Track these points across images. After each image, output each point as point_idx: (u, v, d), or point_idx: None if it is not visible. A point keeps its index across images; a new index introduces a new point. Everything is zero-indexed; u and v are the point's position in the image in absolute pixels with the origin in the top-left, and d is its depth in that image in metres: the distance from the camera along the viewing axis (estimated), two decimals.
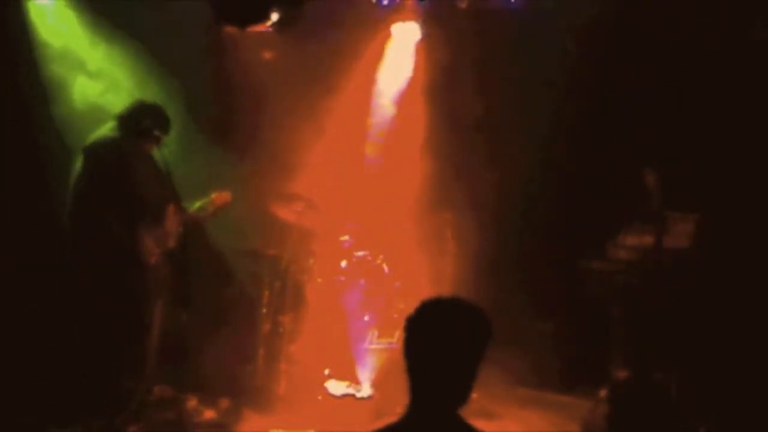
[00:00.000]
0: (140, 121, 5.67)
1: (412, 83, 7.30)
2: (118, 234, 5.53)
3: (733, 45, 6.20)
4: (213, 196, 6.06)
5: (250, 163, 6.82)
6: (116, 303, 5.51)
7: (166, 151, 5.85)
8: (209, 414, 5.85)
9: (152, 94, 6.26)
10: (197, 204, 6.01)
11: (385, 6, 6.91)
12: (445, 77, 7.09)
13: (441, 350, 2.58)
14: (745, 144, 6.14)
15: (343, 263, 6.55)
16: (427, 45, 7.22)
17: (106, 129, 5.73)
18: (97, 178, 5.57)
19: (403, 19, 7.15)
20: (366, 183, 7.05)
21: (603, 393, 5.64)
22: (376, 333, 6.28)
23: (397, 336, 5.78)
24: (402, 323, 2.69)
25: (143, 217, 5.62)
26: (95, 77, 6.64)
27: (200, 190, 6.07)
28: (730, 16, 6.16)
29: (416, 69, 7.28)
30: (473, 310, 2.63)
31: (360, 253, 6.59)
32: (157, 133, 5.73)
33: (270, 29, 6.42)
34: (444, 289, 6.06)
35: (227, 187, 6.18)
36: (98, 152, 5.63)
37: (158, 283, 5.76)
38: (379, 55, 7.24)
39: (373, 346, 6.27)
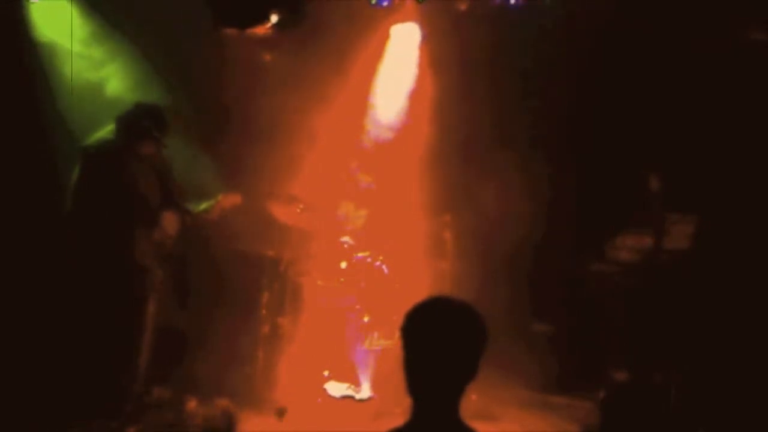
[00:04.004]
0: (139, 123, 5.67)
1: (412, 84, 7.29)
2: (115, 236, 5.53)
3: (731, 47, 6.21)
4: (220, 197, 6.05)
5: (250, 163, 6.81)
6: (112, 304, 5.51)
7: (165, 152, 5.86)
8: (208, 415, 5.83)
9: (151, 94, 6.27)
10: (203, 205, 6.01)
11: (384, 7, 6.90)
12: (446, 78, 7.08)
13: (437, 351, 2.57)
14: (744, 145, 6.14)
15: (343, 264, 6.54)
16: (426, 46, 7.21)
17: (105, 131, 5.73)
18: (93, 181, 5.58)
19: (402, 20, 7.14)
20: (366, 183, 7.01)
21: (602, 394, 5.63)
22: (375, 334, 6.28)
23: (397, 337, 5.77)
24: (401, 325, 2.68)
25: (140, 219, 5.62)
26: (97, 76, 6.65)
27: (198, 191, 6.07)
28: (728, 19, 6.16)
29: (416, 69, 7.27)
30: (466, 309, 2.62)
31: (360, 255, 6.59)
32: (156, 134, 5.73)
33: (269, 31, 6.42)
34: (444, 290, 6.07)
35: (225, 187, 6.19)
36: (95, 154, 5.64)
37: (155, 284, 5.76)
38: (378, 57, 7.23)
39: (373, 348, 6.28)
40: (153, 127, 5.71)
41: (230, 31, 6.49)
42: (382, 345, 6.26)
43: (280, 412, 5.79)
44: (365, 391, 6.22)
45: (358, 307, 6.37)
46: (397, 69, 7.26)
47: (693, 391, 5.42)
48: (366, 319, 6.34)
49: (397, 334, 2.65)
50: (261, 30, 6.45)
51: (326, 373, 6.29)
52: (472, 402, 5.78)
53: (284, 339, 6.38)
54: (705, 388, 5.48)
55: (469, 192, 7.12)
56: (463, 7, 6.84)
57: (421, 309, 2.63)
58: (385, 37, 7.23)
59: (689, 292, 5.87)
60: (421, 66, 7.23)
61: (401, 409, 5.31)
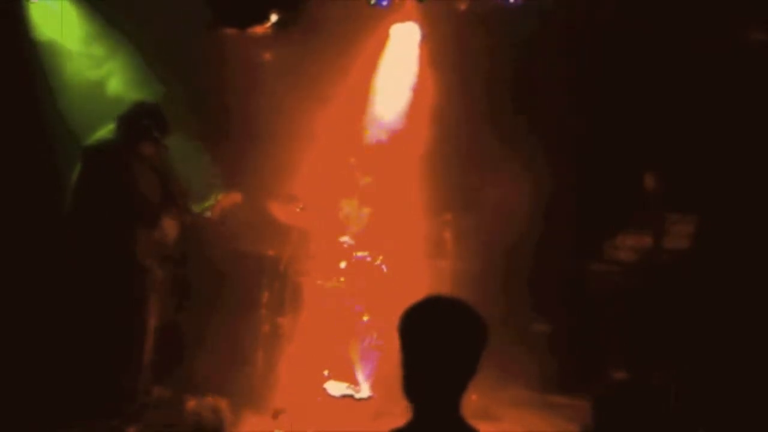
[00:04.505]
0: (139, 122, 5.67)
1: (412, 83, 7.28)
2: (115, 236, 5.52)
3: (731, 47, 6.21)
4: (220, 197, 6.04)
5: (249, 163, 6.81)
6: (113, 304, 5.51)
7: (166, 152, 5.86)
8: (208, 415, 5.83)
9: (151, 94, 6.27)
10: (203, 205, 6.01)
11: (383, 7, 6.89)
12: (445, 77, 7.08)
13: (439, 351, 2.55)
14: (744, 145, 6.14)
15: (343, 264, 6.54)
16: (426, 46, 7.21)
17: (106, 131, 5.73)
18: (94, 180, 5.58)
19: (402, 20, 7.13)
20: (365, 183, 7.00)
21: (602, 394, 5.64)
22: (375, 334, 6.28)
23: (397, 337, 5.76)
24: (397, 324, 2.66)
25: (140, 218, 5.62)
26: (97, 75, 6.66)
27: (198, 190, 6.07)
28: (728, 20, 6.17)
29: (416, 69, 7.27)
30: (465, 308, 2.61)
31: (359, 254, 6.59)
32: (156, 134, 5.72)
33: (269, 31, 6.42)
34: (443, 289, 6.06)
35: (225, 187, 6.19)
36: (95, 154, 5.64)
37: (155, 284, 5.76)
38: (377, 56, 7.23)
39: (373, 347, 6.27)
40: (153, 127, 5.71)
41: (230, 31, 6.49)
42: (381, 344, 6.25)
43: (276, 414, 5.78)
44: (365, 391, 6.22)
45: (357, 306, 6.37)
46: (397, 69, 7.25)
47: (693, 391, 5.43)
48: (366, 318, 6.34)
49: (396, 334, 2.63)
50: (261, 29, 6.45)
51: (326, 372, 6.29)
52: (472, 402, 5.78)
53: (284, 338, 6.38)
54: (705, 388, 5.48)
55: (469, 192, 7.12)
56: (462, 6, 6.84)
57: (421, 309, 2.61)
58: (385, 36, 7.22)
59: (689, 292, 5.87)
60: (420, 66, 7.23)
61: (401, 409, 5.28)
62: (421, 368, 2.57)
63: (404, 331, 2.60)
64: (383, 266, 6.52)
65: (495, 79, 7.02)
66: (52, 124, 6.33)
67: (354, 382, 6.26)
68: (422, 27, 7.15)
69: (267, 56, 7.08)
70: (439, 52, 7.09)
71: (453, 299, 2.63)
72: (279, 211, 6.57)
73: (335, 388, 6.24)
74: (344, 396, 6.19)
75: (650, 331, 6.05)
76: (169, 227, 5.82)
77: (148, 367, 5.81)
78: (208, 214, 6.03)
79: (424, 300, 2.64)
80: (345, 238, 6.65)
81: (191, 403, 5.83)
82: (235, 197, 6.15)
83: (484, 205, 7.01)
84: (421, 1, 6.81)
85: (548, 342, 6.98)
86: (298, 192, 6.58)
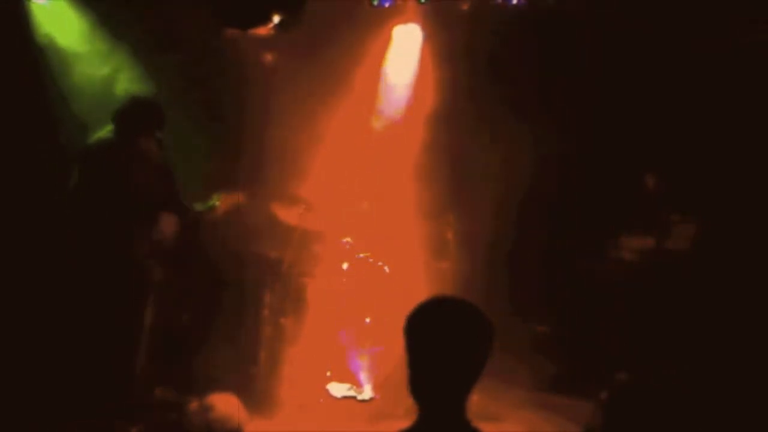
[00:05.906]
0: (137, 118, 5.67)
1: (414, 84, 7.29)
2: (114, 235, 5.53)
3: (731, 47, 6.22)
4: (221, 197, 6.05)
5: (252, 164, 6.82)
6: (112, 304, 5.52)
7: (166, 150, 5.87)
8: (210, 416, 5.84)
9: (153, 94, 6.28)
10: (205, 204, 6.02)
11: (386, 8, 6.90)
12: (448, 78, 7.09)
13: (446, 352, 2.54)
14: (744, 146, 6.15)
15: (345, 265, 6.56)
16: (428, 47, 7.22)
17: (105, 131, 5.74)
18: (93, 180, 5.58)
19: (404, 21, 7.14)
20: (368, 183, 7.02)
21: (604, 395, 5.63)
22: (377, 335, 6.29)
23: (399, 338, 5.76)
24: (403, 325, 2.67)
25: (139, 217, 5.62)
26: (99, 76, 6.67)
27: (200, 191, 6.09)
28: (728, 19, 6.18)
29: (418, 70, 7.28)
30: (472, 310, 2.61)
31: (361, 255, 6.60)
32: (155, 131, 5.72)
33: (271, 32, 6.44)
34: (445, 290, 6.07)
35: (227, 187, 6.20)
36: (94, 153, 5.64)
37: (154, 283, 5.76)
38: (380, 58, 7.24)
39: (375, 349, 6.28)
40: (151, 122, 5.70)
41: (232, 32, 6.50)
42: (383, 346, 6.26)
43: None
44: (367, 392, 6.23)
45: (360, 307, 6.38)
46: (400, 70, 7.26)
47: (693, 391, 5.43)
48: (368, 320, 6.35)
49: (400, 335, 2.63)
50: (263, 31, 6.46)
51: (328, 373, 6.30)
52: (474, 403, 5.77)
53: (286, 340, 6.39)
54: (705, 388, 5.49)
55: (471, 193, 7.13)
56: (464, 7, 6.85)
57: (427, 310, 2.61)
58: (387, 38, 7.23)
59: (690, 292, 5.88)
60: (423, 67, 7.24)
61: (403, 410, 5.32)
62: (428, 370, 2.56)
63: (410, 333, 2.59)
64: (385, 267, 6.53)
65: (497, 80, 7.04)
66: (56, 124, 6.35)
67: (356, 383, 6.27)
68: (424, 28, 7.16)
69: (269, 57, 7.10)
70: (442, 53, 7.10)
71: (459, 300, 2.63)
72: (282, 212, 6.58)
73: (338, 389, 6.25)
74: (346, 397, 6.21)
75: (652, 332, 6.06)
76: (168, 226, 5.82)
77: (148, 367, 5.81)
78: (210, 214, 6.04)
79: (430, 301, 2.63)
80: (347, 239, 6.66)
81: (194, 404, 5.84)
82: (237, 198, 6.16)
83: (486, 205, 7.02)
84: (422, 2, 6.82)
85: (549, 342, 6.99)
86: (300, 193, 6.59)
